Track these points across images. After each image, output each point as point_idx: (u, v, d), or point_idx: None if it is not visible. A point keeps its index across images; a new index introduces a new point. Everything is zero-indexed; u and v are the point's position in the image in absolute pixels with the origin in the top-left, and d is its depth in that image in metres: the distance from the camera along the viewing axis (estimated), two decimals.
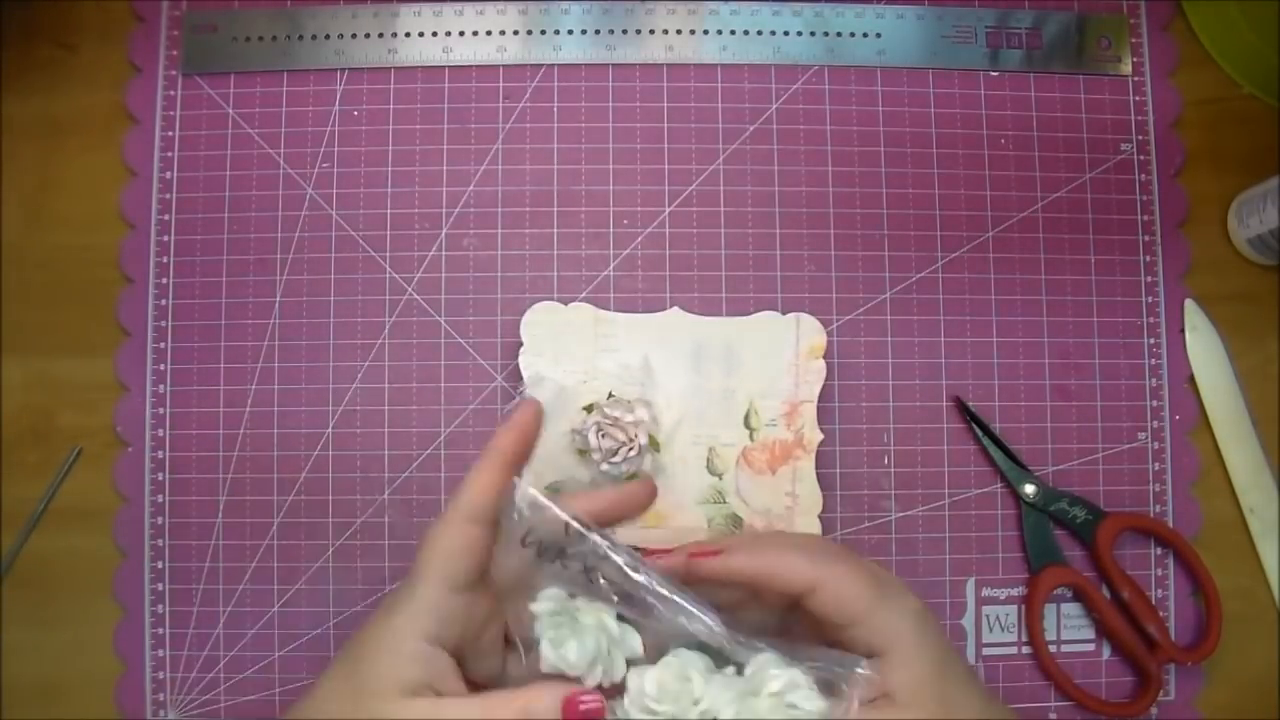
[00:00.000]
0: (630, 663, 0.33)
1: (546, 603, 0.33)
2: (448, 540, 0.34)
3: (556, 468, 0.42)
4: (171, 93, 0.47)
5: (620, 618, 0.33)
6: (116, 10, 0.48)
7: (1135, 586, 0.45)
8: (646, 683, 0.32)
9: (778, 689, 0.31)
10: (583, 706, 0.32)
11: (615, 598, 0.33)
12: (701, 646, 0.33)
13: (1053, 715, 0.45)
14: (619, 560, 0.33)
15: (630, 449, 0.41)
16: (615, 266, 0.47)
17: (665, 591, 0.33)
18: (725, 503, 0.43)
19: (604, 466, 0.41)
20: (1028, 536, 0.46)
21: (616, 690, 0.33)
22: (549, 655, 0.32)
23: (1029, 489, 0.46)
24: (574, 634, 0.32)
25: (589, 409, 0.42)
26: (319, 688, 0.34)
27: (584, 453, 0.42)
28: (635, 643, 0.33)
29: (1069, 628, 0.46)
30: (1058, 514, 0.46)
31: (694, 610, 0.33)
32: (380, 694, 0.32)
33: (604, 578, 0.33)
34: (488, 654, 0.36)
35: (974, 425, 0.46)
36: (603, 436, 0.41)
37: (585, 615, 0.33)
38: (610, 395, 0.43)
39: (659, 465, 0.43)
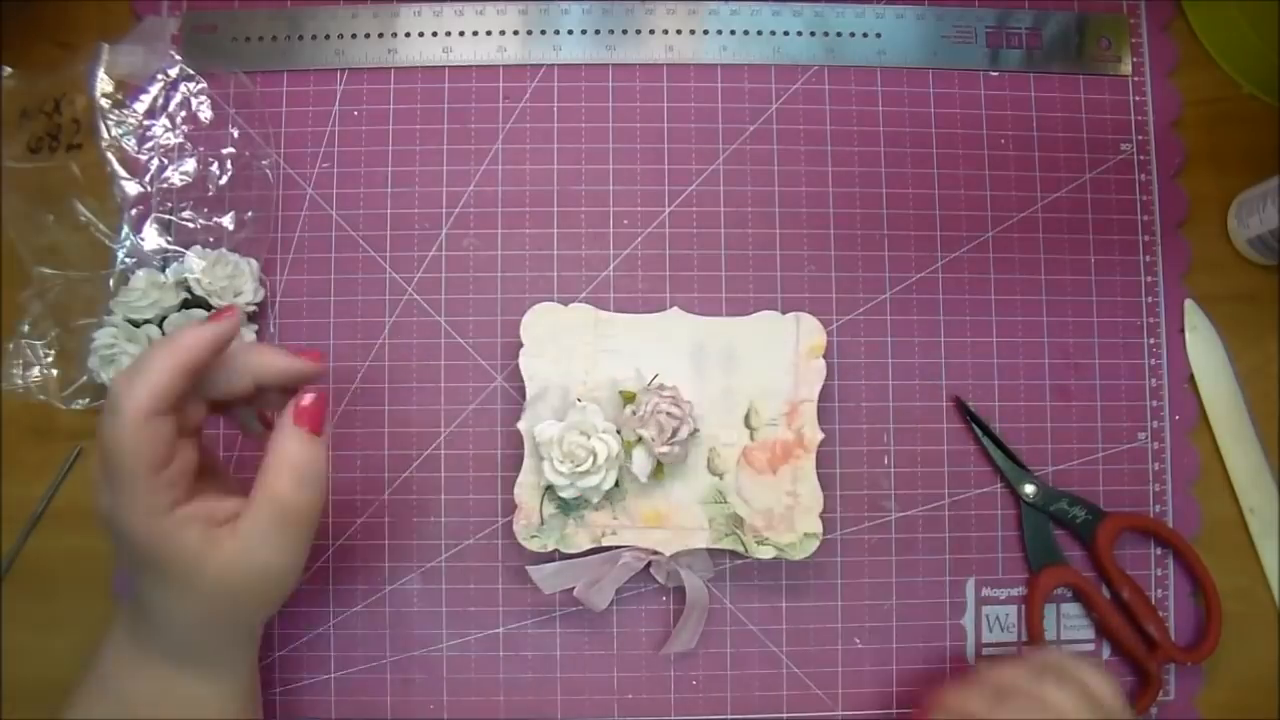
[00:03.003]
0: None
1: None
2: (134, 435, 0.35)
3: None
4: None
5: None
6: (116, 10, 0.48)
7: (1135, 586, 0.45)
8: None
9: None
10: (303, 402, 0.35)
11: None
12: None
13: None
14: None
15: (687, 426, 0.41)
16: (615, 267, 0.47)
17: None
18: (726, 502, 0.43)
19: (661, 449, 0.41)
20: (1028, 536, 0.46)
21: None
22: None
23: (1029, 489, 0.46)
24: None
25: (629, 398, 0.42)
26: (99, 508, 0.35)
27: (633, 443, 0.42)
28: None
29: (1069, 628, 0.46)
30: (1058, 514, 0.46)
31: None
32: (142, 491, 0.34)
33: None
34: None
35: (974, 425, 0.46)
36: (664, 417, 0.41)
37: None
38: (655, 378, 0.43)
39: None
